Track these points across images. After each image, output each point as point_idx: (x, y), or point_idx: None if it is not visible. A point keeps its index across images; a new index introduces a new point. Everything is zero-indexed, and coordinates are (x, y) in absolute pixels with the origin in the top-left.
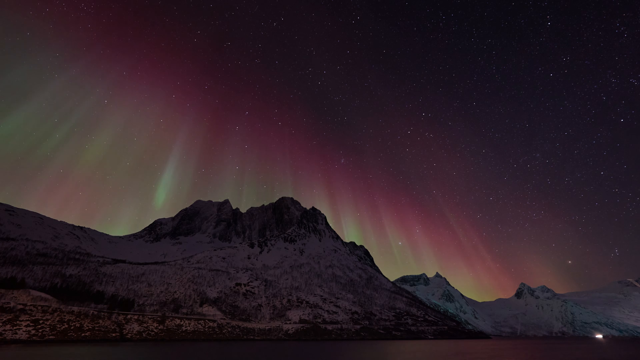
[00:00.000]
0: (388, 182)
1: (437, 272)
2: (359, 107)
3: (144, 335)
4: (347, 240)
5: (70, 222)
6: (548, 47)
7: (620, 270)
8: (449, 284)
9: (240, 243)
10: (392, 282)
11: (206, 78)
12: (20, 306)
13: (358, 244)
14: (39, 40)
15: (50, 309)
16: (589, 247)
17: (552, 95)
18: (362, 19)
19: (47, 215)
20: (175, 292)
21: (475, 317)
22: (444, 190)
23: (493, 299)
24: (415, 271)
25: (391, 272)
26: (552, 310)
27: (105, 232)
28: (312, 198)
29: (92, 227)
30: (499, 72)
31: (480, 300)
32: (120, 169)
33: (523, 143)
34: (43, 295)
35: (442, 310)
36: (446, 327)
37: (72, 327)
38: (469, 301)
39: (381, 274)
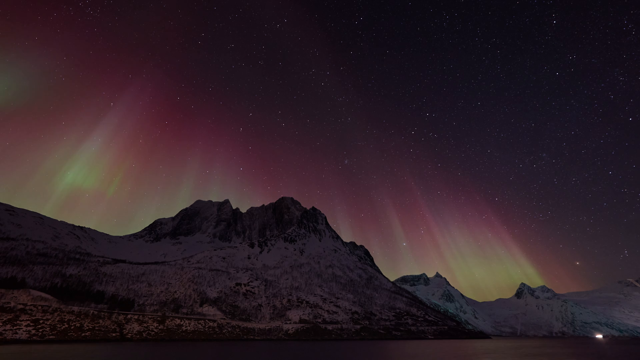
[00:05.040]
0: (392, 183)
1: (437, 272)
2: (363, 107)
3: (144, 335)
4: (351, 240)
5: (70, 222)
6: (554, 45)
7: (630, 272)
8: (449, 284)
9: (241, 243)
10: (392, 282)
11: (210, 80)
12: (21, 306)
13: (363, 245)
14: (46, 44)
15: (51, 309)
16: (598, 248)
17: (559, 94)
18: (365, 19)
19: (47, 216)
20: (175, 292)
21: (475, 317)
22: (448, 191)
23: (493, 299)
24: (418, 272)
25: (392, 272)
26: (552, 310)
27: (106, 233)
28: (316, 199)
29: (96, 229)
30: (504, 72)
31: (480, 300)
32: (126, 171)
33: (529, 143)
34: (43, 295)
35: (442, 310)
36: (446, 327)
37: (72, 327)
38: (469, 301)
39: (381, 274)
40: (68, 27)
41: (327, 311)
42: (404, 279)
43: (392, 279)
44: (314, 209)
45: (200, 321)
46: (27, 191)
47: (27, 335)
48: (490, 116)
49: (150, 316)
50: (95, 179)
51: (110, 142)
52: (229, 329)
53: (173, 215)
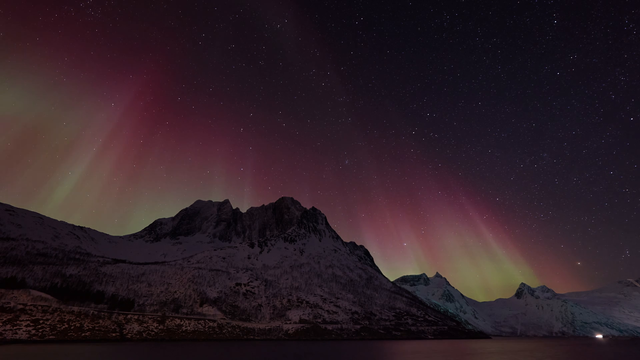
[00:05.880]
0: (393, 183)
1: (437, 272)
2: (363, 107)
3: (144, 335)
4: (351, 240)
5: (72, 222)
6: (555, 45)
7: (631, 272)
8: (449, 284)
9: (241, 243)
10: (392, 282)
11: (210, 80)
12: (21, 306)
13: (363, 245)
14: (47, 45)
15: (51, 309)
16: (599, 248)
17: (560, 94)
18: (365, 19)
19: (48, 216)
20: (175, 292)
21: (475, 317)
22: (449, 192)
23: (493, 299)
24: (418, 272)
25: (392, 272)
26: (552, 310)
27: (106, 233)
28: (316, 199)
29: (97, 229)
30: (505, 72)
31: (480, 300)
32: (127, 172)
33: (530, 143)
34: (43, 295)
35: (442, 310)
36: (446, 327)
37: (72, 327)
38: (469, 301)
39: (381, 274)
40: (68, 27)
41: (327, 311)
42: (404, 279)
43: (392, 279)
44: (314, 209)
45: (200, 321)
46: (27, 191)
47: (27, 335)
48: (491, 116)
49: (150, 316)
50: (96, 179)
51: (110, 142)
52: (229, 329)
53: (173, 215)
